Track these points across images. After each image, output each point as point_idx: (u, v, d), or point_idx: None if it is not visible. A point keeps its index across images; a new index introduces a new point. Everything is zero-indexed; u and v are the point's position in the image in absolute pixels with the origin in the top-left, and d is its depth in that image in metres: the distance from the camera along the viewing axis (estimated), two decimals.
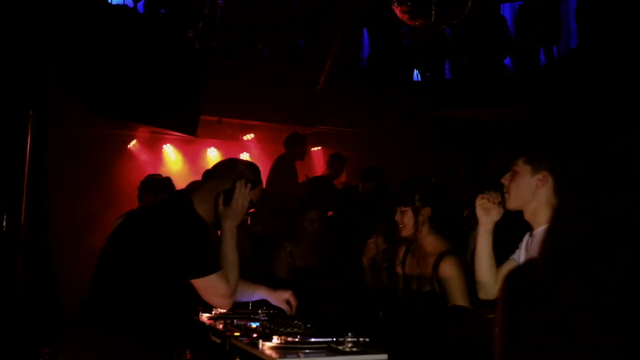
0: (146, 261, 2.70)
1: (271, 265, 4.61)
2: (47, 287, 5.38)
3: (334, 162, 7.26)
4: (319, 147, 7.82)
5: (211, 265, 2.73)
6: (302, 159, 6.96)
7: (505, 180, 2.77)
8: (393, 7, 4.29)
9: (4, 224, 4.91)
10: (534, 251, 2.71)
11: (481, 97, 7.69)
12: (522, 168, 2.72)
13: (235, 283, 2.80)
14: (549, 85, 7.03)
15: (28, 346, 4.89)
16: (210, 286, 2.72)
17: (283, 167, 6.75)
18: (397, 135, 7.69)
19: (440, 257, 3.29)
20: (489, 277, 2.86)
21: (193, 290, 2.79)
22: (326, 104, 7.65)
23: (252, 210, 3.00)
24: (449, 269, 3.25)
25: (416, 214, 3.45)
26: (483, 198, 2.83)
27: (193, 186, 3.32)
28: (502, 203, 2.79)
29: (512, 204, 2.77)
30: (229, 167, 2.97)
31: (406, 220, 3.47)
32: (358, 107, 7.68)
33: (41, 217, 5.28)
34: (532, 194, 2.71)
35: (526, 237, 2.87)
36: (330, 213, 6.14)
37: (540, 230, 2.70)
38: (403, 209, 3.48)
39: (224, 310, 3.23)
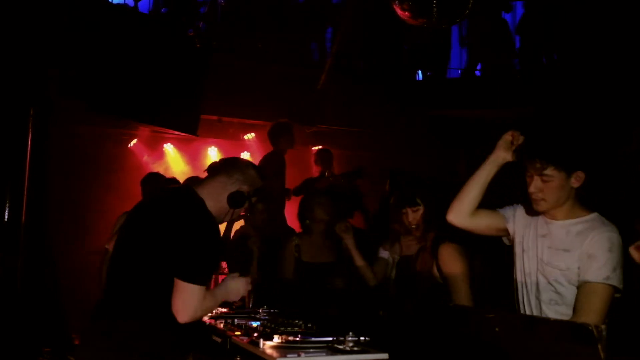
0: (159, 251, 2.68)
1: (278, 261, 4.54)
2: (47, 287, 5.38)
3: (321, 157, 7.20)
4: (320, 147, 7.81)
5: (201, 276, 2.65)
6: (292, 147, 6.80)
7: (536, 189, 2.73)
8: (394, 6, 4.29)
9: (5, 221, 4.91)
10: (557, 239, 2.73)
11: (481, 97, 7.69)
12: (555, 175, 2.69)
13: (202, 315, 2.76)
14: (549, 85, 7.03)
15: (28, 346, 4.89)
16: (184, 293, 2.61)
17: (272, 165, 6.59)
18: (397, 134, 7.69)
19: (438, 243, 3.32)
20: (470, 204, 2.89)
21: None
22: (326, 103, 7.64)
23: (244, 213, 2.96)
24: (448, 256, 3.28)
25: (429, 210, 3.44)
26: (512, 135, 2.82)
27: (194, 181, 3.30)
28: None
29: (550, 207, 2.76)
30: (239, 168, 2.93)
31: (419, 219, 3.46)
32: (358, 107, 7.67)
33: (41, 217, 5.28)
34: (568, 195, 2.74)
35: (527, 214, 2.88)
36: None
37: (564, 223, 2.73)
38: (415, 208, 3.46)
39: (225, 310, 3.25)
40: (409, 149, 7.64)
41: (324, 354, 2.29)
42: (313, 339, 2.48)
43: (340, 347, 2.35)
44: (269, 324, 2.86)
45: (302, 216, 4.58)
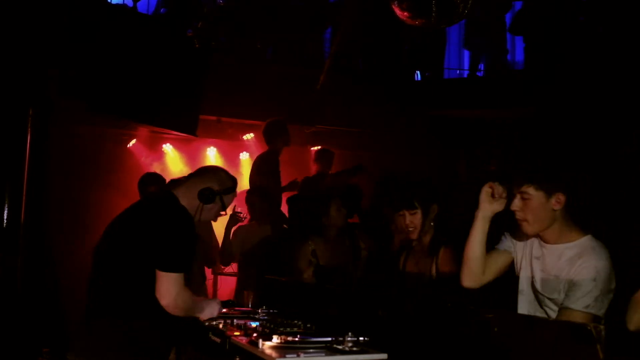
0: (139, 249, 2.89)
1: (293, 262, 4.53)
2: (47, 287, 5.38)
3: (323, 157, 7.20)
4: (319, 147, 7.82)
5: (177, 264, 2.86)
6: (288, 145, 6.74)
7: (516, 208, 2.75)
8: (393, 6, 4.29)
9: (5, 221, 4.91)
10: (549, 263, 2.73)
11: (481, 97, 7.69)
12: (535, 194, 2.70)
13: (183, 305, 2.92)
14: (550, 85, 7.03)
15: (28, 346, 4.89)
16: (164, 282, 2.83)
17: (267, 165, 6.54)
18: (397, 134, 7.68)
19: (438, 248, 3.36)
20: (479, 265, 2.89)
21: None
22: (326, 103, 7.64)
23: (224, 213, 3.29)
24: (446, 259, 3.32)
25: (426, 214, 3.45)
26: (491, 187, 2.84)
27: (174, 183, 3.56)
28: (508, 203, 2.80)
29: (534, 229, 2.77)
30: (211, 170, 3.32)
31: (416, 222, 3.46)
32: (358, 107, 7.67)
33: (41, 217, 5.27)
34: (552, 216, 2.72)
35: (525, 241, 2.89)
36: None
37: (557, 247, 2.73)
38: (413, 211, 3.47)
39: (225, 310, 3.27)
40: (409, 149, 7.63)
41: (323, 354, 2.29)
42: (312, 339, 2.48)
43: (340, 347, 2.35)
44: (268, 324, 2.87)
45: (313, 218, 4.56)
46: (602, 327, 1.82)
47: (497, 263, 2.95)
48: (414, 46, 8.13)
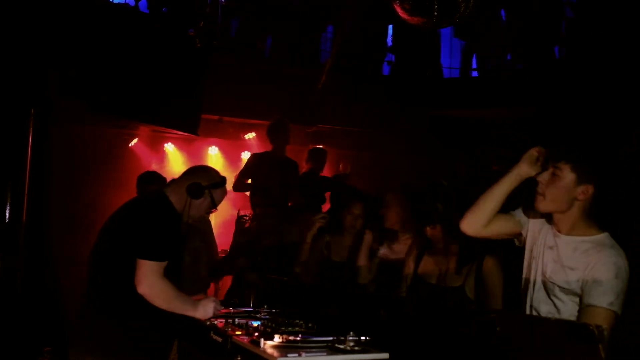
0: (128, 245, 2.96)
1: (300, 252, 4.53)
2: (47, 287, 5.38)
3: (316, 156, 7.21)
4: (320, 146, 7.82)
5: (154, 253, 2.92)
6: (287, 143, 6.78)
7: (542, 180, 2.70)
8: (394, 5, 4.29)
9: (6, 221, 4.91)
10: (563, 254, 2.68)
11: (481, 97, 7.70)
12: (567, 174, 2.65)
13: (163, 296, 2.96)
14: (550, 85, 7.03)
15: (28, 346, 4.89)
16: (142, 269, 2.88)
17: (262, 165, 6.60)
18: (397, 134, 7.69)
19: (482, 257, 3.30)
20: (484, 218, 2.85)
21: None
22: (327, 103, 7.65)
23: (215, 210, 3.37)
24: (492, 269, 3.27)
25: (447, 225, 3.43)
26: (539, 152, 2.77)
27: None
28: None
29: (546, 207, 2.72)
30: (200, 168, 3.47)
31: (439, 235, 3.45)
32: (358, 107, 7.67)
33: (41, 216, 5.27)
34: (570, 203, 2.68)
35: (538, 222, 2.84)
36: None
37: (572, 239, 2.68)
38: (432, 226, 3.45)
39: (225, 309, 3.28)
40: (409, 149, 7.64)
41: (325, 354, 2.29)
42: (314, 338, 2.48)
43: (341, 346, 2.35)
44: (269, 324, 2.87)
45: (333, 214, 4.58)
46: (604, 327, 1.82)
47: (503, 224, 2.89)
48: (415, 44, 8.12)
